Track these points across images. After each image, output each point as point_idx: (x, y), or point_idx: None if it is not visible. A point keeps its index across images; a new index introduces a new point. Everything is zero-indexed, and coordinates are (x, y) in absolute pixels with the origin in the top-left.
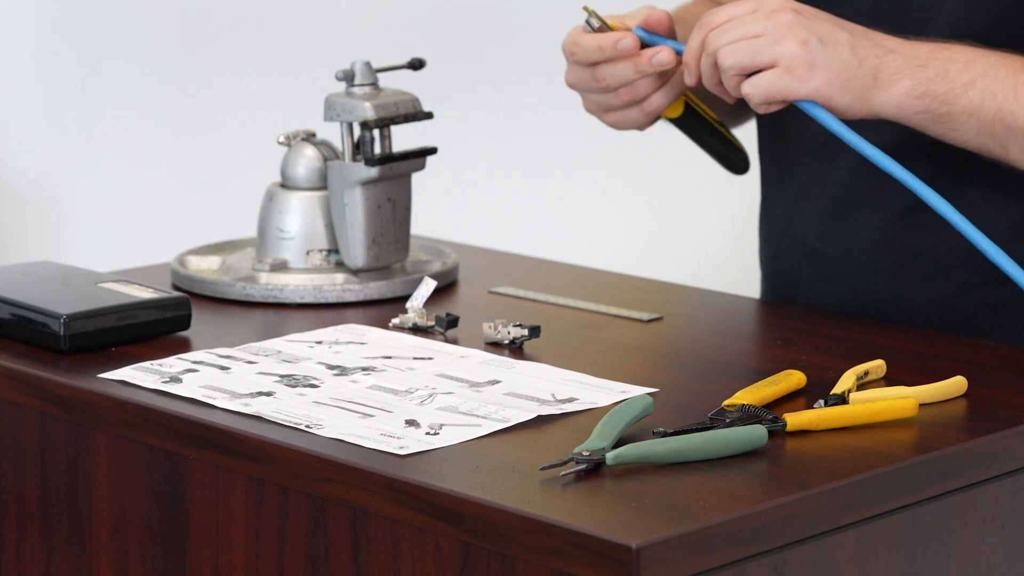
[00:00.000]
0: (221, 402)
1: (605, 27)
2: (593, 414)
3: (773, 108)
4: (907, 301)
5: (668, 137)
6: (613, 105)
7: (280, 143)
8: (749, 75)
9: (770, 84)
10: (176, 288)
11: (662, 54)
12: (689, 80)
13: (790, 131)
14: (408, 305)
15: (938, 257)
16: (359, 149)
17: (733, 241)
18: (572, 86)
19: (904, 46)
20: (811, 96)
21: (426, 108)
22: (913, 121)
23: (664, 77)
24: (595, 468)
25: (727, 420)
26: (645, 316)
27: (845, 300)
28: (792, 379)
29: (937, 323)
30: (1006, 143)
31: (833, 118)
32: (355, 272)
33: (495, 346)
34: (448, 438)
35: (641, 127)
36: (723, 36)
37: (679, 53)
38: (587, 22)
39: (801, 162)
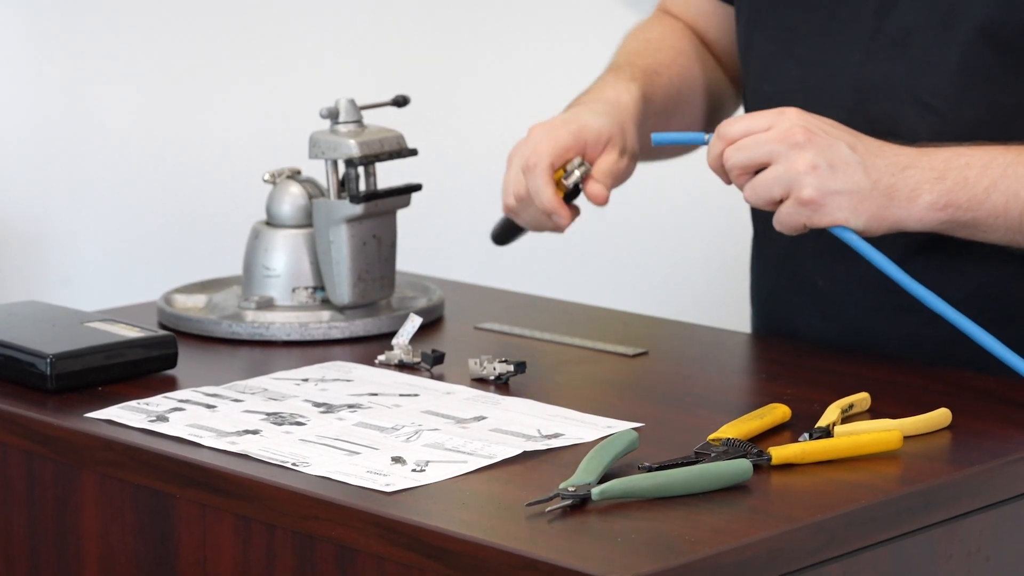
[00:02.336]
0: (208, 440)
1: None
2: (579, 449)
3: (804, 232)
4: (911, 341)
5: (654, 173)
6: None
7: (265, 181)
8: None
9: (788, 216)
10: (162, 327)
11: (559, 219)
12: (726, 182)
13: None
14: (394, 342)
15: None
16: (344, 186)
17: (719, 275)
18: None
19: (920, 158)
20: (826, 224)
21: (411, 145)
22: (937, 230)
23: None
24: (581, 503)
25: (712, 454)
26: (630, 351)
27: (847, 339)
28: (777, 413)
29: (941, 364)
30: None
31: (858, 239)
32: (341, 309)
33: (481, 382)
34: (434, 475)
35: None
36: (739, 155)
37: (704, 143)
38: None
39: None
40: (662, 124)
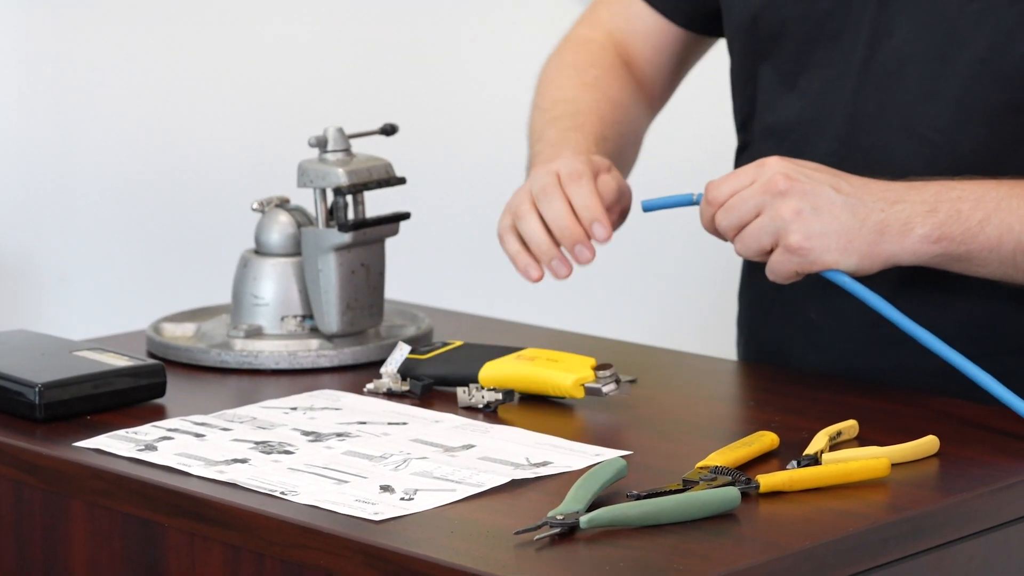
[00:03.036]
0: (196, 469)
1: None
2: (567, 477)
3: (797, 279)
4: (902, 375)
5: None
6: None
7: (254, 209)
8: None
9: (779, 265)
10: (151, 355)
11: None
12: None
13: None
14: (383, 370)
15: (939, 330)
16: (332, 215)
17: (707, 303)
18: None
19: (910, 192)
20: (817, 268)
21: (399, 173)
22: (931, 264)
23: None
24: (569, 532)
25: (700, 482)
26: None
27: (838, 371)
28: (765, 440)
29: (932, 394)
30: None
31: (850, 281)
32: (329, 338)
33: (469, 410)
34: (423, 503)
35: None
36: (729, 217)
37: (694, 203)
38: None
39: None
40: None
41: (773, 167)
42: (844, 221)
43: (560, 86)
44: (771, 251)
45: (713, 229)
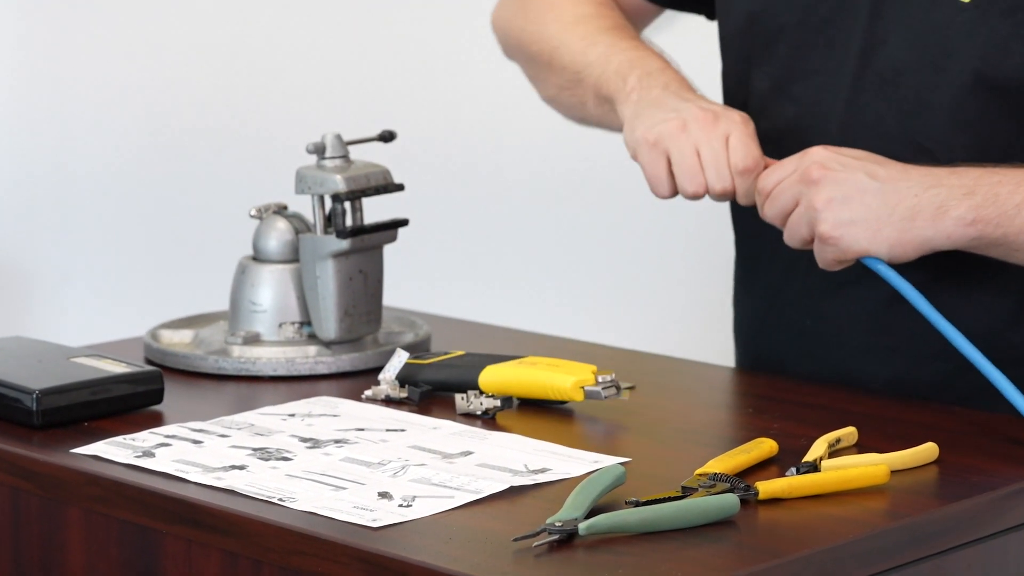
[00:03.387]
0: (194, 476)
1: None
2: (566, 484)
3: (844, 266)
4: (901, 383)
5: (639, 208)
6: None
7: (252, 216)
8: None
9: (819, 253)
10: (149, 362)
11: None
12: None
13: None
14: (381, 377)
15: (936, 339)
16: (330, 221)
17: (706, 310)
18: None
19: (948, 177)
20: (850, 256)
21: (397, 180)
22: (969, 248)
23: None
24: (568, 539)
25: (699, 489)
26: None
27: (834, 379)
28: (764, 447)
29: (931, 401)
30: None
31: (888, 270)
32: (327, 344)
33: (468, 417)
34: (421, 510)
35: None
36: (773, 208)
37: None
38: None
39: (781, 237)
40: None
41: (812, 156)
42: (873, 208)
43: (573, 24)
44: (812, 240)
45: (765, 219)
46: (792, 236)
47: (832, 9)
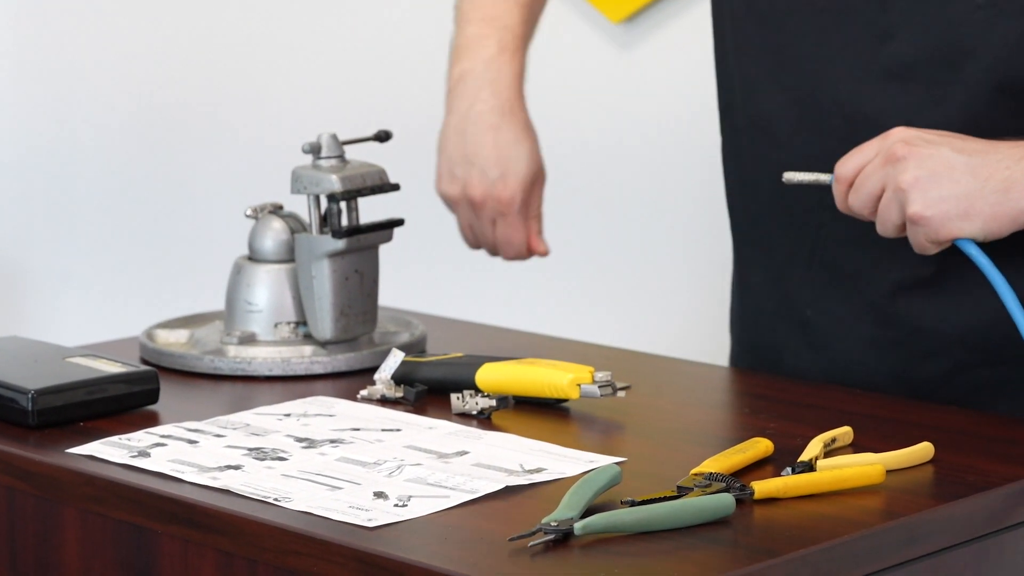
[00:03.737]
0: (189, 476)
1: None
2: (561, 484)
3: (940, 248)
4: (901, 377)
5: (635, 208)
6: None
7: (247, 216)
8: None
9: (912, 237)
10: (144, 362)
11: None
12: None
13: (762, 192)
14: (376, 377)
15: (939, 334)
16: (326, 221)
17: (701, 310)
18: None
19: None
20: (943, 237)
21: (393, 180)
22: None
23: None
24: (564, 538)
25: (695, 489)
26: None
27: (834, 372)
28: (759, 447)
29: (928, 401)
30: None
31: (980, 255)
32: (323, 344)
33: (463, 417)
34: (416, 510)
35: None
36: (859, 198)
37: (830, 184)
38: None
39: (783, 226)
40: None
41: (895, 136)
42: (964, 184)
43: None
44: (904, 224)
45: (849, 210)
46: (884, 223)
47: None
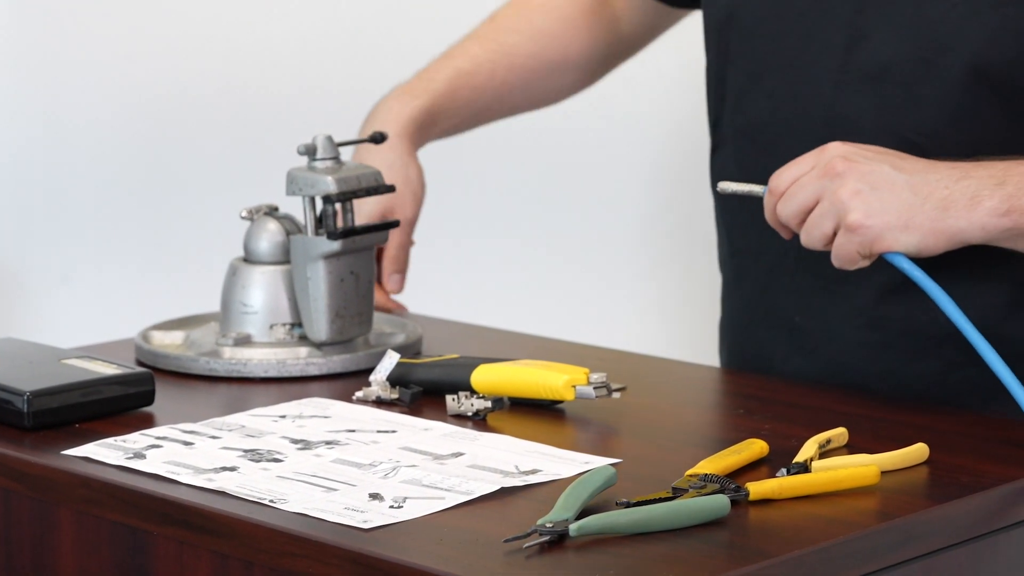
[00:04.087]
0: (185, 477)
1: None
2: (556, 485)
3: (864, 264)
4: (891, 379)
5: (630, 210)
6: None
7: (243, 218)
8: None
9: (841, 248)
10: (140, 364)
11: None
12: (787, 236)
13: (747, 201)
14: (372, 378)
15: (928, 335)
16: (321, 223)
17: (695, 311)
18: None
19: (976, 169)
20: (879, 249)
21: (388, 181)
22: (1000, 239)
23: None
24: (559, 539)
25: (690, 490)
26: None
27: (824, 376)
28: (754, 448)
29: (921, 401)
30: None
31: (912, 266)
32: (318, 346)
33: (459, 418)
34: (412, 511)
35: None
36: (789, 206)
37: (761, 196)
38: None
39: (768, 235)
40: (492, 109)
41: (832, 151)
42: (905, 198)
43: (474, 31)
44: (834, 236)
45: (776, 222)
46: (811, 234)
47: (809, 3)
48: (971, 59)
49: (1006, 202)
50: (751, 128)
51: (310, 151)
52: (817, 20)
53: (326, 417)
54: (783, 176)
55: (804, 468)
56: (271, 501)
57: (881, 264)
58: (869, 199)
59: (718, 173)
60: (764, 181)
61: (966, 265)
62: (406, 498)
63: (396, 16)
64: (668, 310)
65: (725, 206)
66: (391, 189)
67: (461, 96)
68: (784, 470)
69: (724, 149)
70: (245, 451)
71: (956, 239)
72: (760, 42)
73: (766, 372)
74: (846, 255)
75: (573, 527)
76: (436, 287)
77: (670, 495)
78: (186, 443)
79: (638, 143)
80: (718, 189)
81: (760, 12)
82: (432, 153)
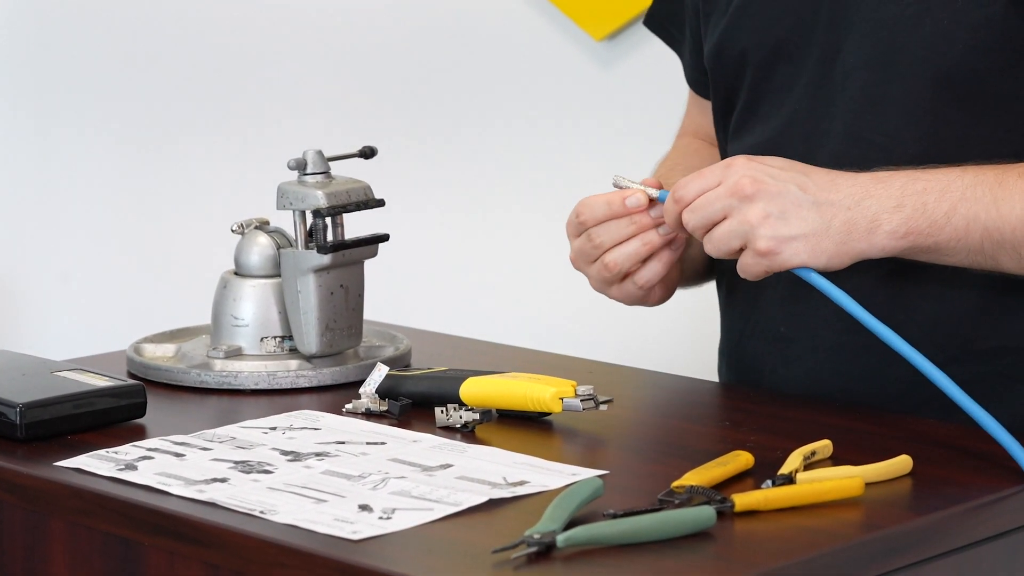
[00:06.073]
0: (176, 489)
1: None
2: (544, 497)
3: (768, 275)
4: (872, 381)
5: None
6: (608, 279)
7: (234, 231)
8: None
9: (750, 267)
10: (131, 376)
11: (635, 196)
12: (677, 250)
13: None
14: (361, 390)
15: (905, 335)
16: (312, 237)
17: (685, 325)
18: (573, 263)
19: (876, 187)
20: (785, 268)
21: (378, 196)
22: (901, 255)
23: (652, 247)
24: (546, 550)
25: (676, 501)
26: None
27: (809, 384)
28: (740, 460)
29: (902, 403)
30: (996, 255)
31: (820, 279)
32: (309, 358)
33: (447, 430)
34: (401, 522)
35: (646, 303)
36: (695, 217)
37: (660, 200)
38: (615, 186)
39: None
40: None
41: (739, 169)
42: (812, 223)
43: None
44: (740, 251)
45: (679, 227)
46: (717, 248)
47: (788, 28)
48: (926, 56)
49: (904, 225)
50: (746, 154)
51: (300, 166)
52: (797, 42)
53: (316, 429)
54: (690, 187)
55: (789, 480)
56: (261, 512)
57: (859, 267)
58: (777, 225)
59: None
60: None
61: (935, 270)
62: (395, 509)
63: (387, 32)
64: (655, 322)
65: None
66: (381, 203)
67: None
68: (769, 482)
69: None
70: (236, 463)
71: (858, 259)
72: (750, 71)
73: (758, 385)
74: (753, 272)
75: (560, 538)
76: (425, 300)
77: (656, 507)
78: (177, 455)
79: (628, 154)
80: (613, 181)
81: (744, 42)
82: (423, 167)
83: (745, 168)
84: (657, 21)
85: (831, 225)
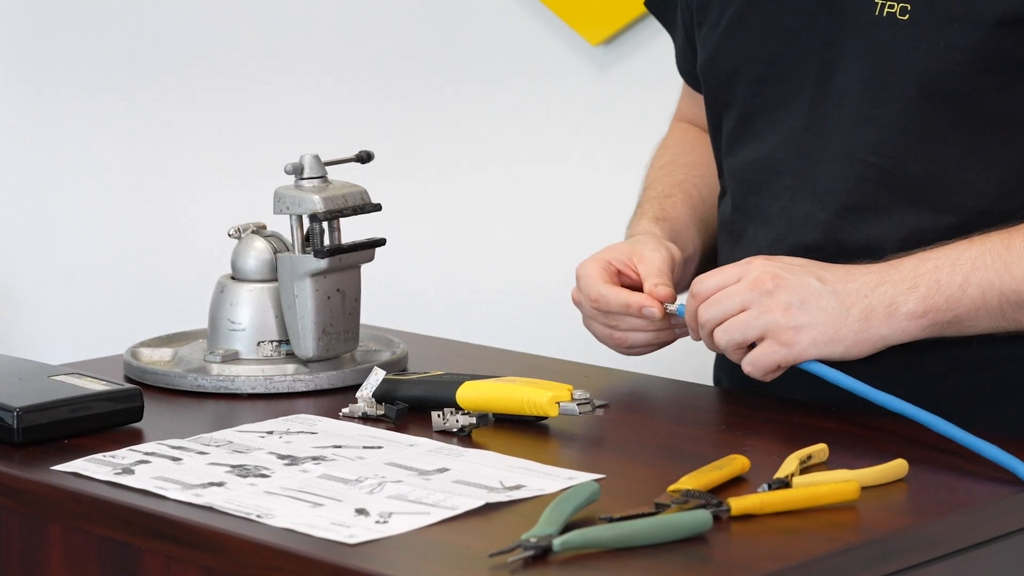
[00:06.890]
0: (173, 493)
1: None
2: (541, 501)
3: (777, 375)
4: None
5: (617, 228)
6: (612, 346)
7: (230, 236)
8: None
9: (764, 358)
10: (128, 380)
11: (651, 309)
12: (694, 338)
13: (744, 233)
14: (358, 395)
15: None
16: (308, 241)
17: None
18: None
19: (889, 272)
20: (803, 358)
21: (374, 200)
22: (924, 336)
23: (663, 339)
24: (543, 554)
25: (672, 505)
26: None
27: (812, 393)
28: (736, 464)
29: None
30: (1018, 317)
31: (825, 368)
32: (305, 362)
33: (444, 434)
34: (397, 526)
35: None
36: (712, 310)
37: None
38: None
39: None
40: (700, 232)
41: (759, 267)
42: (831, 311)
43: (650, 168)
44: (751, 345)
45: (694, 321)
46: (730, 337)
47: (781, 44)
48: (921, 77)
49: (922, 304)
50: (740, 170)
51: (297, 170)
52: (792, 59)
53: (313, 433)
54: (707, 283)
55: (785, 484)
56: (258, 516)
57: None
58: (798, 314)
59: (723, 216)
60: (759, 220)
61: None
62: (392, 513)
63: (384, 37)
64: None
65: (722, 239)
66: (378, 208)
67: (671, 213)
68: (765, 486)
69: (726, 194)
70: (233, 467)
71: (880, 344)
72: (742, 88)
73: (754, 390)
74: (766, 365)
75: (557, 542)
76: (422, 305)
77: (653, 510)
78: (174, 459)
79: (625, 159)
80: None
81: (735, 59)
82: (420, 172)
83: (765, 265)
84: (655, 4)
85: (850, 312)
